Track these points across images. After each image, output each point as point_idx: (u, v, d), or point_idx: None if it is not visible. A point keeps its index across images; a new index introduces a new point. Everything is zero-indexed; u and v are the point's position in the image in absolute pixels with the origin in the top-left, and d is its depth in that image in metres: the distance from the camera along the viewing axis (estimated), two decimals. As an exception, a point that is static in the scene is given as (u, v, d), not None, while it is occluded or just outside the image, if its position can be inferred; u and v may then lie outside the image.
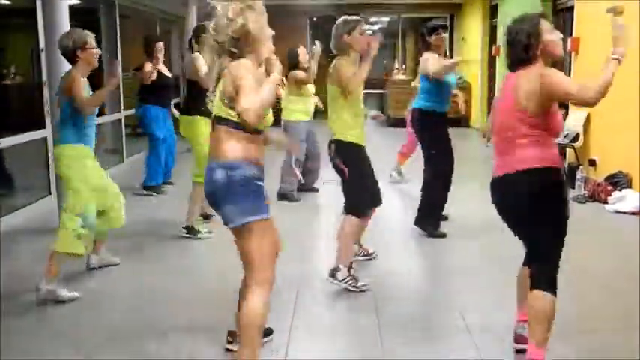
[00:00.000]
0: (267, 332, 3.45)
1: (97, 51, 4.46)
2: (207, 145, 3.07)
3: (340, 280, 4.28)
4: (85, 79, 4.43)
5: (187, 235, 5.60)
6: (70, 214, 4.28)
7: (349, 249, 4.39)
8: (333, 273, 4.32)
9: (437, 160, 5.56)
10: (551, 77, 2.98)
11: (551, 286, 3.06)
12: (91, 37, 4.42)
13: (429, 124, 5.59)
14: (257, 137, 2.95)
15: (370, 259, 4.93)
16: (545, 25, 3.09)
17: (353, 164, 4.30)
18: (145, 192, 7.41)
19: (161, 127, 7.43)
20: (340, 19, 4.38)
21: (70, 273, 4.60)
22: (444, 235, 5.54)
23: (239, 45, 2.88)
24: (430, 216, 5.61)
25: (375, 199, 4.45)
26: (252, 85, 2.73)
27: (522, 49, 3.08)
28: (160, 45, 7.37)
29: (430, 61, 5.40)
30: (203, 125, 5.33)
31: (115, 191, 4.66)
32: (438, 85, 5.46)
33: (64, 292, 4.19)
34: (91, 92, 4.43)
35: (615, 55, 3.04)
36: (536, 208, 3.05)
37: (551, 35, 3.09)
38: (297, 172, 6.67)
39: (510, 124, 3.10)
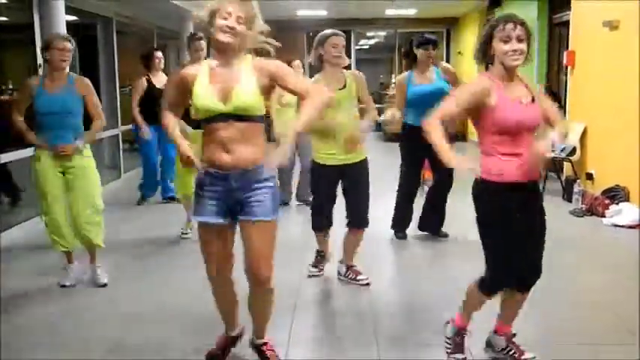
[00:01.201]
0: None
1: (57, 53, 4.44)
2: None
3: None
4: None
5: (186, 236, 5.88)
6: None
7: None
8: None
9: (402, 174, 5.85)
10: (459, 88, 3.20)
11: (482, 288, 3.21)
12: (55, 39, 4.49)
13: (402, 137, 5.78)
14: (213, 129, 2.96)
15: (349, 282, 4.74)
16: (501, 33, 2.98)
17: (312, 182, 4.65)
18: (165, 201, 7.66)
19: (149, 144, 7.41)
20: (319, 34, 4.44)
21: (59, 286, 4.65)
22: (445, 235, 5.84)
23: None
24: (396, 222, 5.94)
25: (316, 222, 4.69)
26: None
27: (477, 51, 3.14)
28: (159, 54, 7.40)
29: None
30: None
31: (75, 213, 4.65)
32: (414, 100, 5.52)
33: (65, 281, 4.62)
34: (50, 92, 4.47)
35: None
36: (477, 216, 3.18)
37: (499, 44, 2.99)
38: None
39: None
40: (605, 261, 5.34)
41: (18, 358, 3.58)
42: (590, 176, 7.60)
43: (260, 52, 3.09)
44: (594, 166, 7.60)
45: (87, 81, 4.70)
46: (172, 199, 7.65)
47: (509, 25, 2.96)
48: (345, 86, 4.39)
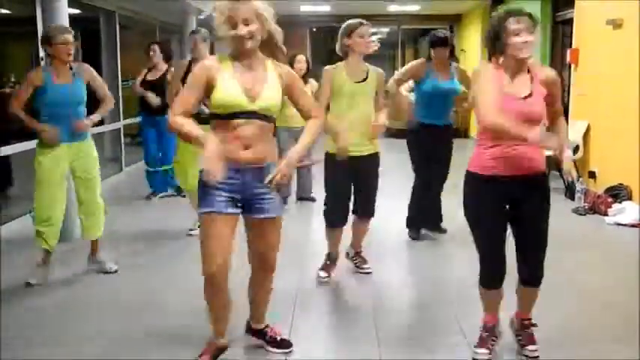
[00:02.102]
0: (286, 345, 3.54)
1: (65, 47, 4.46)
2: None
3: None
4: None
5: (193, 233, 5.76)
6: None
7: (329, 244, 4.72)
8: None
9: (416, 171, 5.76)
10: (478, 78, 3.11)
11: (480, 280, 3.33)
12: (60, 33, 4.48)
13: (410, 134, 5.71)
14: (231, 125, 2.99)
15: (360, 273, 4.85)
16: (510, 27, 3.03)
17: (327, 173, 4.54)
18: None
19: (146, 135, 7.53)
20: (345, 23, 4.46)
21: (68, 277, 4.67)
22: (413, 238, 5.77)
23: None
24: (410, 220, 5.86)
25: (331, 216, 4.60)
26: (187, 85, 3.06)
27: (486, 44, 3.16)
28: (155, 47, 7.46)
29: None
30: None
31: (83, 201, 4.73)
32: (423, 97, 5.53)
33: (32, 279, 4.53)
34: (61, 83, 4.50)
35: (528, 136, 2.92)
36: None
37: (511, 37, 3.03)
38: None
39: None
40: (607, 260, 5.33)
41: (19, 351, 3.57)
42: (592, 174, 7.59)
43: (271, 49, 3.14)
44: (597, 164, 7.58)
45: (86, 66, 4.78)
46: (179, 190, 7.68)
47: (520, 18, 3.03)
48: (365, 79, 4.45)
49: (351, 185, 4.55)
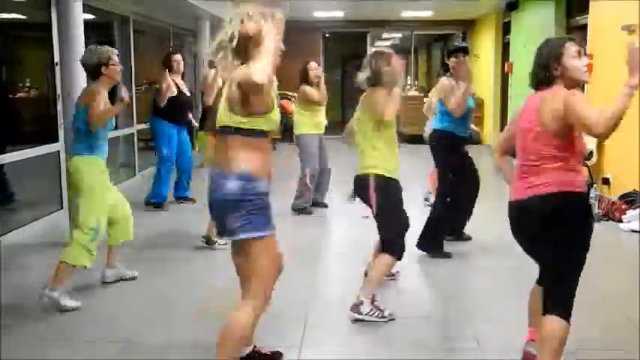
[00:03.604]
0: (277, 356, 3.45)
1: (120, 67, 4.55)
2: None
3: (365, 314, 4.09)
4: (106, 93, 4.51)
5: (206, 244, 5.65)
6: (82, 228, 4.32)
7: (377, 284, 4.23)
8: (356, 308, 4.11)
9: (448, 183, 5.57)
10: (576, 101, 2.88)
11: (563, 312, 2.98)
12: (114, 54, 4.52)
13: (444, 146, 5.59)
14: (266, 144, 2.95)
15: (393, 279, 4.83)
16: (571, 49, 3.01)
17: (387, 203, 4.16)
18: (146, 206, 7.40)
19: (168, 144, 7.39)
20: (372, 52, 4.32)
21: (84, 285, 4.67)
22: (448, 256, 5.48)
23: (241, 50, 2.84)
24: (433, 237, 5.53)
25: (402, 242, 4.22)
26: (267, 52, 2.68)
27: (542, 69, 3.05)
28: (178, 57, 7.40)
29: (451, 101, 5.37)
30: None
31: (124, 205, 4.71)
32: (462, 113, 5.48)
33: (67, 301, 4.23)
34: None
35: (630, 87, 2.79)
36: (553, 231, 2.98)
37: (573, 60, 3.01)
38: (311, 186, 6.81)
39: (532, 147, 3.03)
40: (621, 266, 5.29)
41: (29, 357, 3.60)
42: (606, 181, 7.53)
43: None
44: (611, 170, 7.53)
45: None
46: (186, 199, 7.66)
47: (575, 42, 3.05)
48: None
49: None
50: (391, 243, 4.16)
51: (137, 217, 5.28)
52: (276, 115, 2.92)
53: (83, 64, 4.53)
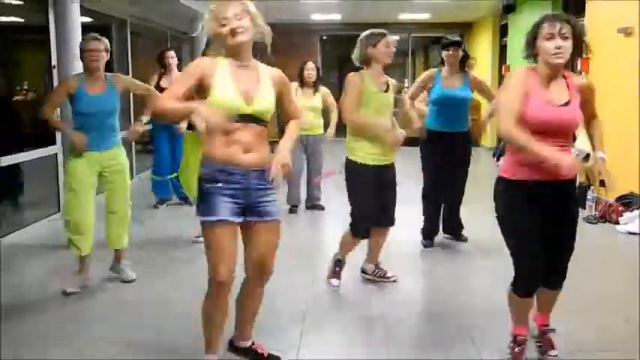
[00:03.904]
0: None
1: (89, 54, 4.50)
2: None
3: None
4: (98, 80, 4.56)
5: (199, 240, 5.68)
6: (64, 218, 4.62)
7: (343, 251, 4.70)
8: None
9: (425, 179, 5.76)
10: (507, 80, 3.11)
11: (513, 286, 3.30)
12: (86, 41, 4.54)
13: (424, 141, 5.65)
14: (230, 129, 2.91)
15: (386, 282, 4.82)
16: (544, 30, 2.99)
17: (352, 185, 4.45)
18: (146, 207, 7.48)
19: (160, 143, 7.47)
20: (366, 32, 4.44)
21: (82, 285, 4.67)
22: (425, 246, 5.77)
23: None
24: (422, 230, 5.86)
25: (362, 225, 4.50)
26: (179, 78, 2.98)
27: (525, 46, 3.12)
28: (171, 53, 7.43)
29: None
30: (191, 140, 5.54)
31: (117, 210, 4.74)
32: (433, 104, 5.57)
33: (69, 287, 4.52)
34: (95, 92, 4.52)
35: (547, 155, 2.90)
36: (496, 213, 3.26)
37: (543, 41, 3.00)
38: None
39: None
40: (618, 268, 5.30)
41: (28, 357, 3.60)
42: (603, 183, 7.52)
43: (259, 50, 3.11)
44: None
45: (120, 76, 4.87)
46: (186, 199, 7.67)
47: (553, 23, 2.98)
48: (387, 90, 4.46)
49: (375, 195, 4.47)
50: (353, 223, 4.50)
51: (136, 218, 5.31)
52: (215, 97, 2.88)
53: None
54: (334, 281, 4.69)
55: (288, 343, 3.70)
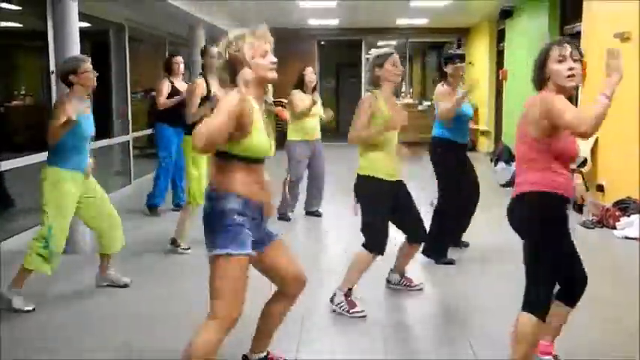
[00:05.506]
0: None
1: (91, 74, 4.49)
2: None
3: (336, 305, 4.33)
4: (86, 100, 4.54)
5: (170, 245, 5.81)
6: (36, 235, 4.41)
7: (352, 278, 4.37)
8: (332, 298, 4.40)
9: (449, 190, 5.58)
10: (552, 103, 2.90)
11: (535, 310, 3.02)
12: (85, 62, 4.50)
13: (442, 153, 5.58)
14: (254, 168, 2.91)
15: (419, 289, 4.84)
16: (554, 53, 3.00)
17: (366, 200, 4.36)
18: (143, 213, 7.48)
19: (168, 147, 7.42)
20: (374, 54, 4.47)
21: (78, 291, 4.69)
22: (452, 262, 5.50)
23: (229, 72, 2.87)
24: (437, 244, 5.53)
25: (380, 239, 4.35)
26: (218, 113, 2.67)
27: (534, 73, 3.09)
28: (179, 59, 7.45)
29: (440, 105, 5.47)
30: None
31: (110, 215, 4.74)
32: (456, 120, 5.49)
33: (19, 303, 4.36)
34: (86, 114, 4.49)
35: (606, 97, 2.89)
36: (528, 230, 3.07)
37: (555, 64, 3.00)
38: (288, 194, 6.97)
39: (521, 149, 3.11)
40: (615, 273, 5.30)
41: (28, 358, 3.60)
42: (600, 188, 7.56)
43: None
44: (605, 177, 7.55)
45: None
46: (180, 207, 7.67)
47: (564, 45, 3.01)
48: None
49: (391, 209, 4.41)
50: (370, 239, 4.35)
51: (133, 224, 5.33)
52: (255, 140, 2.83)
53: (58, 75, 4.55)
54: (357, 309, 4.32)
55: (287, 342, 3.70)
